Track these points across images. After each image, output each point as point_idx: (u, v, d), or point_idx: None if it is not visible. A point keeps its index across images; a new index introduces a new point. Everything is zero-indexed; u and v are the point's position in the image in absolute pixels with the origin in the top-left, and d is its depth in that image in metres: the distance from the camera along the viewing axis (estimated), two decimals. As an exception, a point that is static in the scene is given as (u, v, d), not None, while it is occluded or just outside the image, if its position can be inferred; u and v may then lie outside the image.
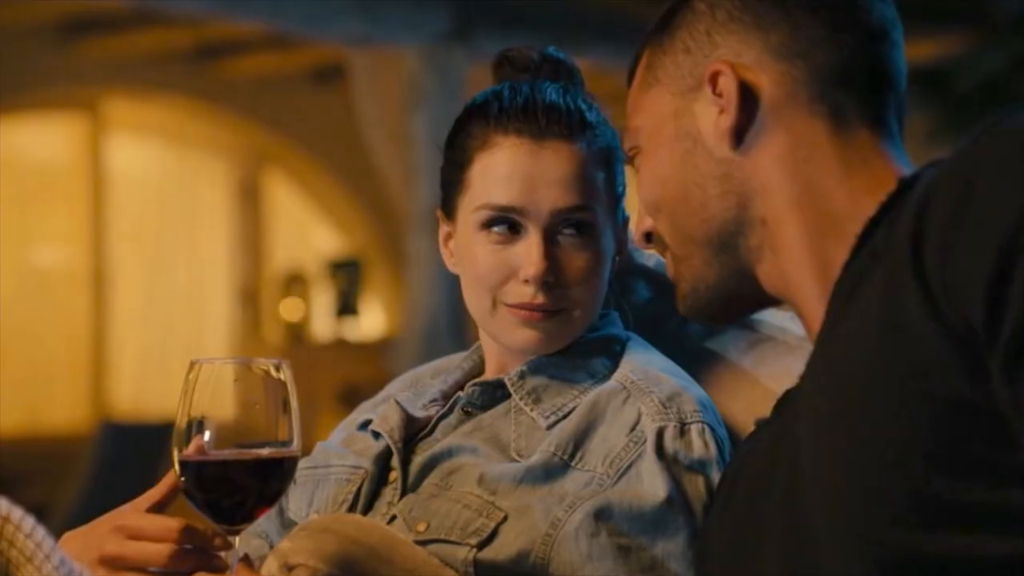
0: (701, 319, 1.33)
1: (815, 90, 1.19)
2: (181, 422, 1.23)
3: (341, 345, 8.34)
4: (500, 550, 1.36)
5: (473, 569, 1.35)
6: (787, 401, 1.25)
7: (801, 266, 1.19)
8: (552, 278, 1.45)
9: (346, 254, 8.70)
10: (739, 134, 1.20)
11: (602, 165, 1.48)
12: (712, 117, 1.21)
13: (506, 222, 1.46)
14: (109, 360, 7.86)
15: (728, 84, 1.20)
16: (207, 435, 1.24)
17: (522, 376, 1.49)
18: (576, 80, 1.54)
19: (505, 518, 1.38)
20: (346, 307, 8.49)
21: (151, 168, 8.28)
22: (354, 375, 7.44)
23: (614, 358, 1.51)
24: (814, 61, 1.19)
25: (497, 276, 1.46)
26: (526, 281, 1.45)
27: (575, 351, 1.50)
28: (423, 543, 1.37)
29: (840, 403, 1.05)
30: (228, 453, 1.24)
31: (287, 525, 1.52)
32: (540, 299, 1.45)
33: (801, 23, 1.20)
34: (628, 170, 1.49)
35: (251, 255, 8.53)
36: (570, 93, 1.50)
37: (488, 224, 1.47)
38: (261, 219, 8.59)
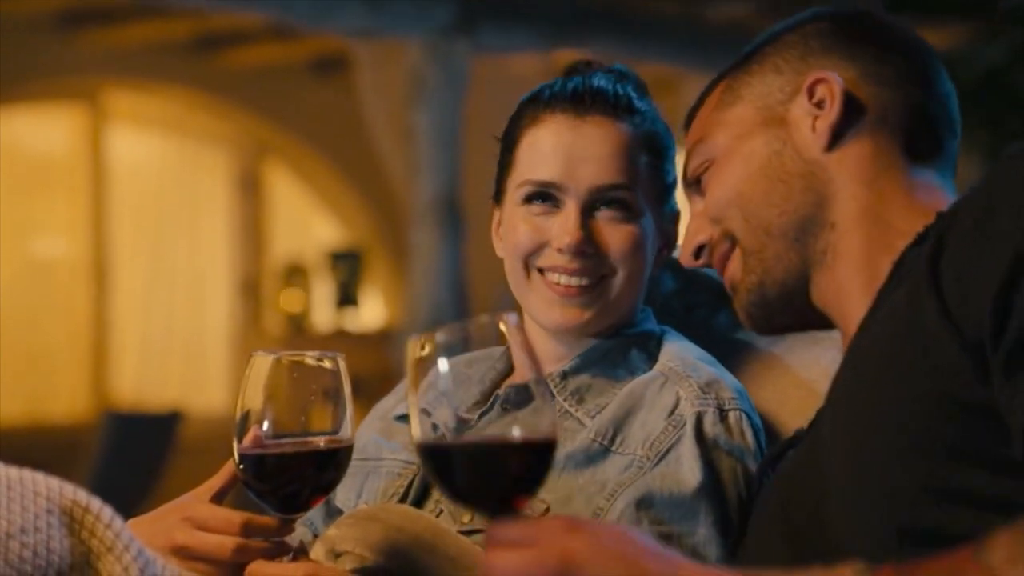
0: (758, 319, 1.36)
1: (901, 117, 1.30)
2: (238, 413, 1.26)
3: (341, 336, 8.34)
4: (542, 539, 1.38)
5: (516, 558, 1.37)
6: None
7: (857, 276, 1.28)
8: (588, 250, 1.48)
9: (346, 245, 8.69)
10: (836, 134, 1.29)
11: (646, 149, 1.51)
12: (808, 121, 1.30)
13: (545, 196, 1.49)
14: (109, 350, 7.85)
15: (833, 88, 1.30)
16: (264, 426, 1.26)
17: (564, 376, 1.51)
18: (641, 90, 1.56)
19: (547, 509, 1.40)
20: (346, 298, 8.48)
21: (151, 159, 8.27)
22: (355, 365, 7.38)
23: (653, 353, 1.53)
24: (901, 94, 1.31)
25: (531, 243, 1.50)
26: (560, 250, 1.48)
27: (615, 348, 1.52)
28: (467, 533, 1.40)
29: (862, 398, 1.14)
30: (286, 444, 1.27)
31: (332, 514, 1.54)
32: (575, 264, 1.48)
33: (888, 60, 1.32)
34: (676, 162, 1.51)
35: (251, 246, 8.52)
36: (621, 83, 1.52)
37: (529, 199, 1.50)
38: (261, 210, 8.58)
